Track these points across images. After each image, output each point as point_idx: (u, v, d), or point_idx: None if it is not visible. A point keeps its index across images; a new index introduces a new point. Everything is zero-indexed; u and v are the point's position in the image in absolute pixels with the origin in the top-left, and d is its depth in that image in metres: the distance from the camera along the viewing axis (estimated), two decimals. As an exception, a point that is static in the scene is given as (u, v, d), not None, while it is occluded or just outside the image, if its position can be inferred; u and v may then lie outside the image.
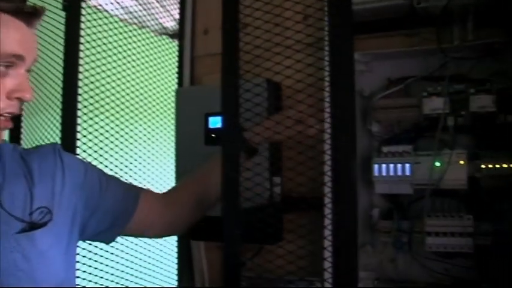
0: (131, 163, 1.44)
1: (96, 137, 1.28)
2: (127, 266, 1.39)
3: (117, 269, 1.36)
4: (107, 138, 1.32)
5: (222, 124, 0.93)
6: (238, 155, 0.95)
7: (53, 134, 1.27)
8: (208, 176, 1.14)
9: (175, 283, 1.66)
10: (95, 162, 1.26)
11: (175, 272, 1.65)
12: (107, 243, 1.12)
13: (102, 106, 1.32)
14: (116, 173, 1.35)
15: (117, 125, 1.38)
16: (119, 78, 1.37)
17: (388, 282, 1.38)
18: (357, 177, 1.00)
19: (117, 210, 1.06)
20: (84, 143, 1.24)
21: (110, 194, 1.05)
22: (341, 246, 0.91)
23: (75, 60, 1.18)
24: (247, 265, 1.45)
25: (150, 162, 1.55)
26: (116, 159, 1.37)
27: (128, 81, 1.44)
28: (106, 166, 1.32)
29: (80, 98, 1.21)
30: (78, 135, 1.22)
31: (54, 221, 0.91)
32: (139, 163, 1.49)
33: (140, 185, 1.18)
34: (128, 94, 1.44)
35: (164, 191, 1.20)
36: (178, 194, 1.19)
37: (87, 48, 1.23)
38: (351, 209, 0.91)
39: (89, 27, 1.23)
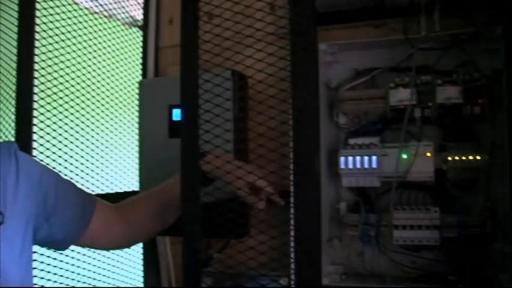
0: (92, 158, 1.40)
1: (54, 130, 1.23)
2: (89, 263, 1.35)
3: (79, 267, 1.31)
4: (66, 131, 1.28)
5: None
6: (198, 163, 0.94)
7: (5, 131, 1.22)
8: (170, 190, 1.12)
9: (141, 279, 1.63)
10: (52, 160, 1.22)
11: (141, 268, 1.62)
12: (61, 250, 1.08)
13: (61, 98, 1.27)
14: (77, 170, 1.32)
15: (77, 118, 1.34)
16: (78, 69, 1.33)
17: (356, 276, 1.37)
18: (319, 171, 0.99)
19: (73, 216, 1.02)
20: (41, 137, 1.20)
21: (66, 199, 1.01)
22: (302, 240, 0.89)
23: (30, 51, 1.13)
24: (215, 260, 1.44)
25: (113, 156, 1.51)
26: (76, 153, 1.32)
27: (89, 72, 1.40)
28: (66, 160, 1.28)
29: (36, 90, 1.16)
30: (35, 129, 1.17)
31: (5, 224, 0.87)
32: (102, 157, 1.45)
33: (103, 184, 1.14)
34: (89, 86, 1.40)
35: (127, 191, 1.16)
36: (135, 206, 1.16)
37: (44, 38, 1.19)
38: (313, 203, 0.90)
39: (45, 16, 1.18)
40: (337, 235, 1.39)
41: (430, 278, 1.29)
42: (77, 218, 1.03)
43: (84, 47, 1.38)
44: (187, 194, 0.98)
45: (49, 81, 1.20)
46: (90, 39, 1.43)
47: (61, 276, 1.24)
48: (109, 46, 1.53)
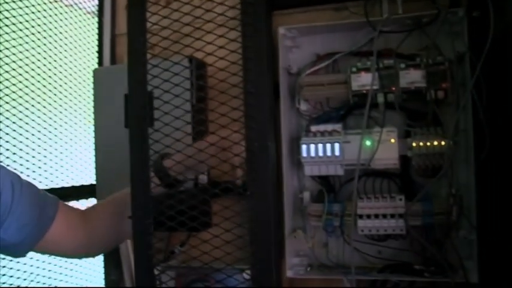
0: (45, 150, 1.35)
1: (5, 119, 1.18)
2: (49, 263, 1.30)
3: (38, 267, 1.26)
4: (14, 123, 1.22)
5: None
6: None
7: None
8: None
9: (102, 275, 1.58)
10: (1, 153, 1.18)
11: (102, 264, 1.57)
12: (17, 256, 1.02)
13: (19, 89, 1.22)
14: (28, 163, 1.26)
15: (26, 109, 1.28)
16: (27, 57, 1.27)
17: (321, 267, 1.35)
18: (274, 158, 0.95)
19: (31, 218, 0.95)
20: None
21: (23, 199, 0.94)
22: (257, 231, 0.87)
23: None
24: (177, 254, 1.39)
25: (68, 148, 1.46)
26: (27, 145, 1.27)
27: (45, 61, 1.35)
28: (15, 154, 1.23)
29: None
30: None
31: None
32: (56, 149, 1.40)
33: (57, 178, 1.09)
34: (44, 76, 1.35)
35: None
36: (100, 211, 1.12)
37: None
38: (267, 192, 0.87)
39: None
40: (301, 226, 1.36)
41: (396, 268, 1.27)
42: (35, 219, 0.96)
43: (45, 37, 1.35)
44: (136, 186, 0.95)
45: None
46: (50, 29, 1.39)
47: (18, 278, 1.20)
48: (71, 36, 1.49)
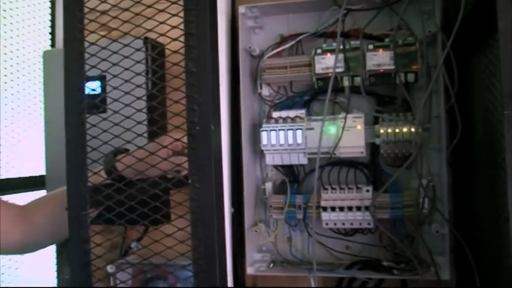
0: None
1: None
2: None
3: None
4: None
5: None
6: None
7: None
8: None
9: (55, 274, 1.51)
10: None
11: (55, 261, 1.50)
12: None
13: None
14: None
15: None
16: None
17: (285, 264, 1.29)
18: (218, 144, 0.89)
19: None
20: None
21: None
22: (198, 224, 0.81)
23: None
24: (133, 250, 1.33)
25: (15, 136, 1.39)
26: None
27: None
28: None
29: None
30: None
31: None
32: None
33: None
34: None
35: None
36: (38, 207, 1.06)
37: None
38: (210, 183, 0.81)
39: None
40: (264, 219, 1.30)
41: (364, 265, 1.22)
42: None
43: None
44: (72, 174, 0.89)
45: None
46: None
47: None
48: (29, 19, 1.42)
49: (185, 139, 0.83)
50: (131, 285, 1.22)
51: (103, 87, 1.16)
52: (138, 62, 0.87)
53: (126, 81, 0.88)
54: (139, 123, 0.86)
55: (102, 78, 0.98)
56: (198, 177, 0.80)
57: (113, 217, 0.88)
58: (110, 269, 1.21)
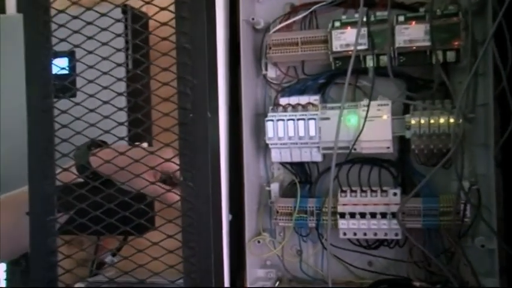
0: None
1: None
2: None
3: None
4: None
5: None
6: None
7: None
8: None
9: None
10: None
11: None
12: None
13: None
14: None
15: None
16: None
17: (294, 282, 1.28)
18: (215, 136, 0.87)
19: None
20: None
21: None
22: (191, 229, 0.78)
23: None
24: (108, 265, 1.34)
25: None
26: None
27: None
28: None
29: None
30: None
31: None
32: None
33: None
34: None
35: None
36: None
37: None
38: (204, 184, 0.79)
39: None
40: (269, 228, 1.29)
41: (390, 284, 1.20)
42: None
43: None
44: (35, 171, 0.86)
45: None
46: None
47: None
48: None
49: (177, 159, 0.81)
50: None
51: (72, 66, 1.14)
52: (117, 35, 0.83)
53: (105, 58, 0.85)
54: (120, 109, 0.83)
55: (71, 55, 0.94)
56: (191, 175, 0.77)
57: (87, 223, 0.86)
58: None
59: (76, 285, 1.18)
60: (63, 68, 1.03)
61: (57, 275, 0.88)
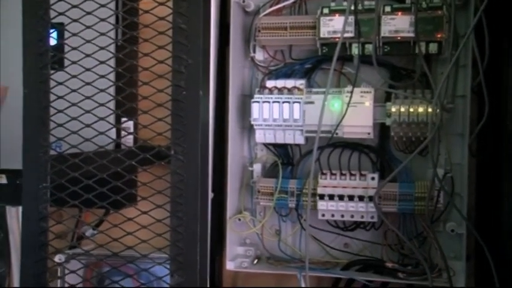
0: None
1: None
2: None
3: None
4: None
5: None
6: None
7: None
8: None
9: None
10: None
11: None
12: None
13: None
14: None
15: None
16: None
17: (272, 260, 1.31)
18: (207, 116, 0.91)
19: None
20: None
21: None
22: (178, 211, 0.85)
23: None
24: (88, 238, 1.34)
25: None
26: None
27: None
28: None
29: None
30: None
31: None
32: None
33: None
34: None
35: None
36: None
37: None
38: (195, 153, 0.84)
39: None
40: (250, 207, 1.32)
41: (364, 265, 1.25)
42: None
43: None
44: (28, 139, 0.92)
45: None
46: None
47: None
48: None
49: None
50: (83, 277, 1.21)
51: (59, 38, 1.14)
52: (102, 5, 0.92)
53: (104, 33, 0.90)
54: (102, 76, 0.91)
55: (59, 26, 0.98)
56: (182, 149, 0.82)
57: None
58: (59, 259, 1.20)
59: (56, 258, 1.20)
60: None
61: (48, 240, 0.93)
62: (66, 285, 1.12)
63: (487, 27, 1.06)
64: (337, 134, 1.18)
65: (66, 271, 1.09)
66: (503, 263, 1.05)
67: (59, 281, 1.20)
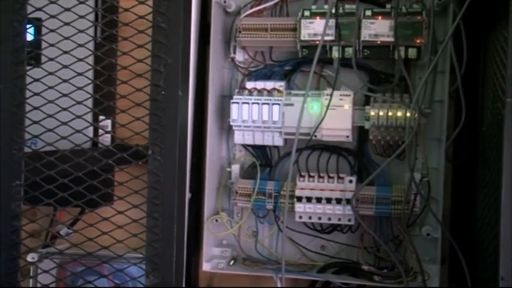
0: None
1: None
2: None
3: None
4: None
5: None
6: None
7: None
8: None
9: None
10: None
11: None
12: None
13: None
14: None
15: None
16: None
17: (248, 261, 1.31)
18: (185, 117, 0.90)
19: None
20: None
21: None
22: (157, 204, 0.85)
23: None
24: (62, 238, 1.34)
25: None
26: None
27: None
28: None
29: None
30: None
31: None
32: None
33: None
34: None
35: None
36: None
37: None
38: (172, 161, 0.84)
39: None
40: (227, 208, 1.33)
41: (340, 268, 1.26)
42: None
43: None
44: (3, 136, 0.91)
45: None
46: None
47: None
48: None
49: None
50: (57, 277, 1.20)
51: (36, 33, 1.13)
52: (81, 2, 0.91)
53: (82, 31, 0.90)
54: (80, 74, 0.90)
55: (36, 21, 0.98)
56: (160, 149, 0.82)
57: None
58: (31, 258, 1.19)
59: (28, 257, 1.18)
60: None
61: (20, 239, 0.93)
62: (39, 285, 1.10)
63: (465, 33, 1.07)
64: (316, 136, 1.19)
65: (39, 270, 1.09)
66: (477, 267, 1.06)
67: (31, 280, 1.18)
